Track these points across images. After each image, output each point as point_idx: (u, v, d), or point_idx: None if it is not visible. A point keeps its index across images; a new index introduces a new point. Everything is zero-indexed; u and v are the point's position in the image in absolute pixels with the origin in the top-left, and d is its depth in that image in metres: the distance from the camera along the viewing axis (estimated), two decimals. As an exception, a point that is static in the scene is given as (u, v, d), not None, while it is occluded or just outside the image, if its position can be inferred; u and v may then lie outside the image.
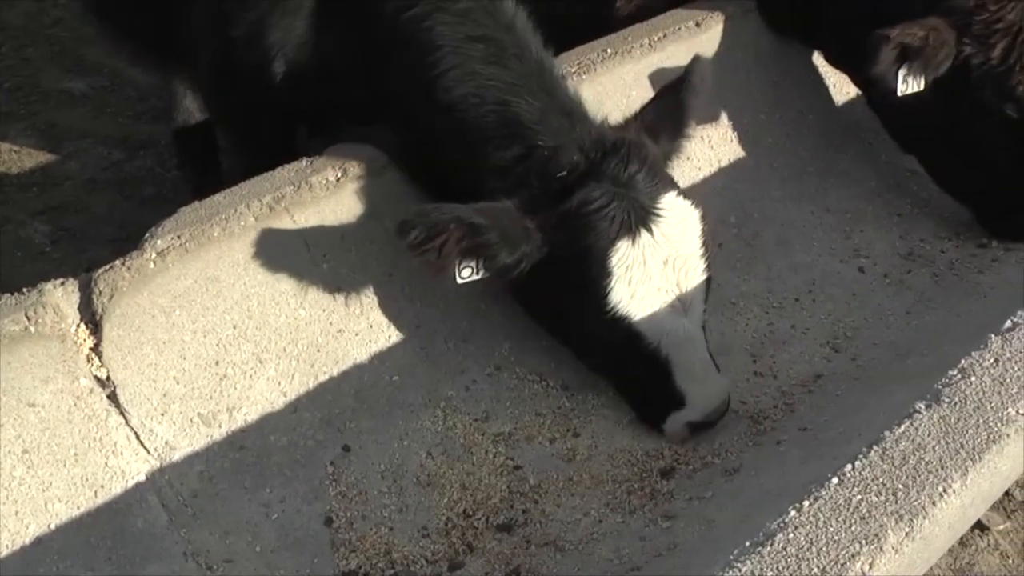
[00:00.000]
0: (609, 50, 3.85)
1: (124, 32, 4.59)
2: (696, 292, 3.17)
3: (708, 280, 3.21)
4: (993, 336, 2.77)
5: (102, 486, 2.79)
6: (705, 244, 3.19)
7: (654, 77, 3.87)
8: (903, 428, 2.49)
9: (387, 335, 3.26)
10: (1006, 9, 3.64)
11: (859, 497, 2.32)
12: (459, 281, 3.04)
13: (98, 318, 2.85)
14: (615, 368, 3.30)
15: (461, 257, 3.00)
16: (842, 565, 2.18)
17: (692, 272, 3.14)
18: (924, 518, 2.28)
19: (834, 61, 4.33)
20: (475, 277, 3.06)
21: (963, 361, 2.69)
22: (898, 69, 3.59)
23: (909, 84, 3.64)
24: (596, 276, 3.05)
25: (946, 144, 3.90)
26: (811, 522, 2.27)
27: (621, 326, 3.09)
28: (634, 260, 3.05)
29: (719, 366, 3.25)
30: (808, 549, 2.22)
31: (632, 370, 3.24)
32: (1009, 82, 3.65)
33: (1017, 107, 3.66)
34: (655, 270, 3.08)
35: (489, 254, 3.02)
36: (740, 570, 2.18)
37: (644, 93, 3.84)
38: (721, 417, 3.24)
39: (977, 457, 2.42)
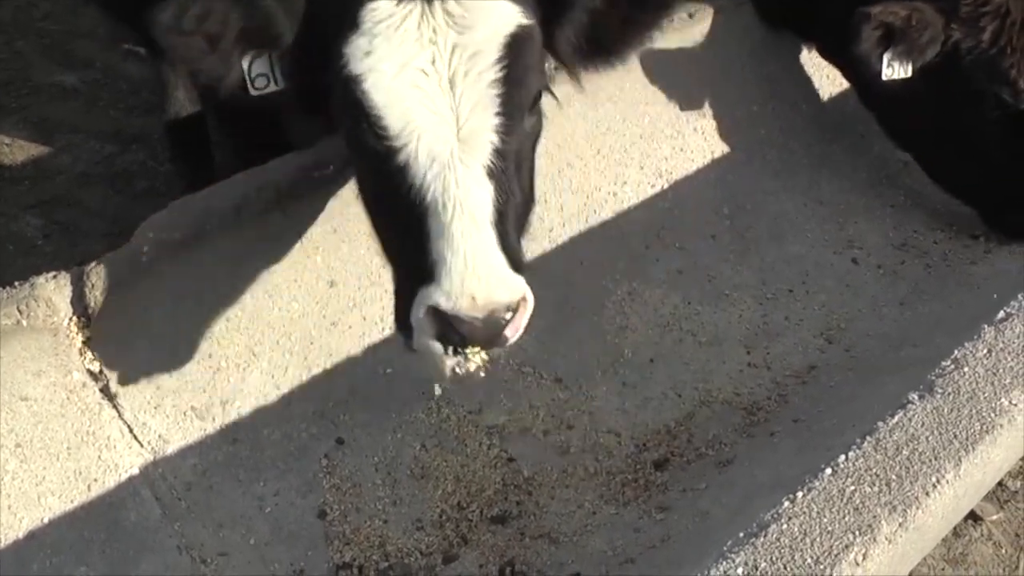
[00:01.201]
0: (602, 42, 3.84)
1: (125, 23, 4.57)
2: (479, 115, 2.46)
3: (511, 110, 2.47)
4: (986, 327, 2.78)
5: (95, 480, 2.79)
6: (514, 53, 2.47)
7: (647, 69, 3.87)
8: (896, 419, 2.49)
9: (380, 328, 3.26)
10: None
11: (853, 488, 2.33)
12: (254, 91, 2.65)
13: (91, 312, 2.84)
14: (373, 200, 2.70)
15: (241, 46, 2.59)
16: (836, 555, 2.19)
17: (474, 76, 2.45)
18: (917, 508, 2.29)
19: (826, 55, 4.33)
20: (273, 87, 2.67)
21: (956, 352, 2.69)
22: (883, 52, 3.58)
23: (895, 69, 3.62)
24: (343, 27, 2.48)
25: (939, 136, 3.89)
26: (805, 513, 2.28)
27: (361, 98, 2.45)
28: (389, 16, 2.44)
29: (521, 264, 2.54)
30: (802, 540, 2.22)
31: (382, 194, 2.60)
32: (1001, 65, 3.64)
33: (1011, 90, 3.65)
34: (412, 40, 2.43)
35: (267, 28, 2.60)
36: (734, 561, 2.19)
37: (637, 85, 3.84)
38: (493, 332, 2.43)
39: (970, 447, 2.43)
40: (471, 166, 2.45)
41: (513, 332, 2.48)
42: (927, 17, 3.59)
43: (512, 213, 2.55)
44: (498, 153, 2.48)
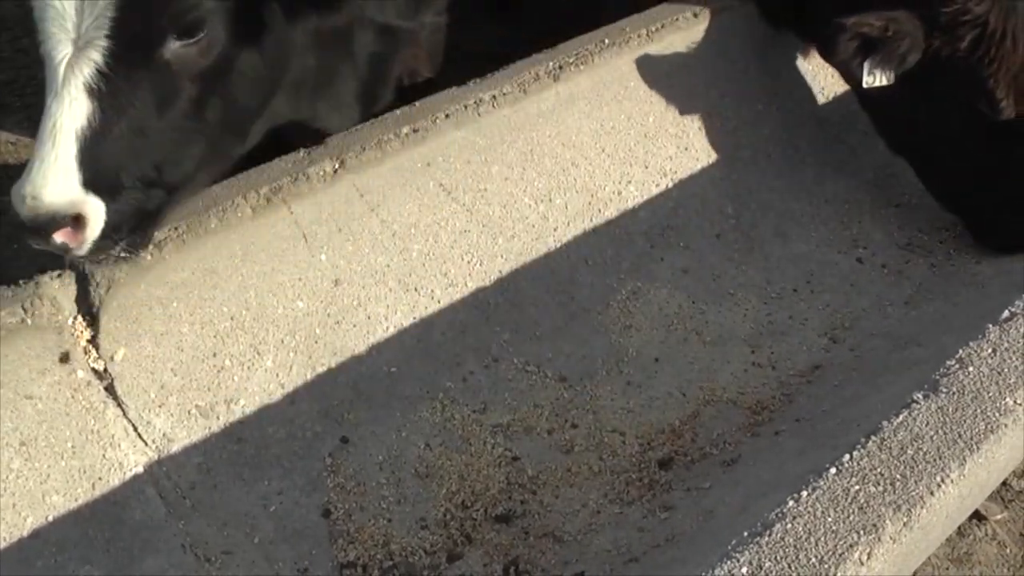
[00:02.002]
0: (607, 40, 3.84)
1: None
2: (92, 34, 2.54)
3: (126, 35, 2.55)
4: (991, 326, 2.77)
5: (100, 478, 2.79)
6: None
7: (652, 67, 3.87)
8: (901, 418, 2.49)
9: (385, 326, 3.26)
10: (973, 1, 3.58)
11: (857, 487, 2.32)
12: None
13: (95, 310, 2.85)
14: None
15: None
16: (840, 555, 2.19)
17: None
18: (922, 508, 2.29)
19: (824, 55, 4.31)
20: None
21: (961, 351, 2.69)
22: (862, 60, 3.57)
23: (876, 77, 3.60)
24: None
25: (923, 142, 3.88)
26: (809, 512, 2.28)
27: None
28: None
29: (106, 189, 2.60)
30: (806, 539, 2.22)
31: None
32: (979, 75, 3.60)
33: (989, 101, 3.62)
34: None
35: None
36: (738, 560, 2.19)
37: (642, 84, 3.84)
38: (40, 233, 2.58)
39: (975, 447, 2.42)
40: (71, 82, 2.53)
41: (73, 241, 2.58)
42: (904, 28, 3.56)
43: (124, 142, 2.62)
44: (104, 76, 2.55)
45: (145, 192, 2.71)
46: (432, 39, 3.84)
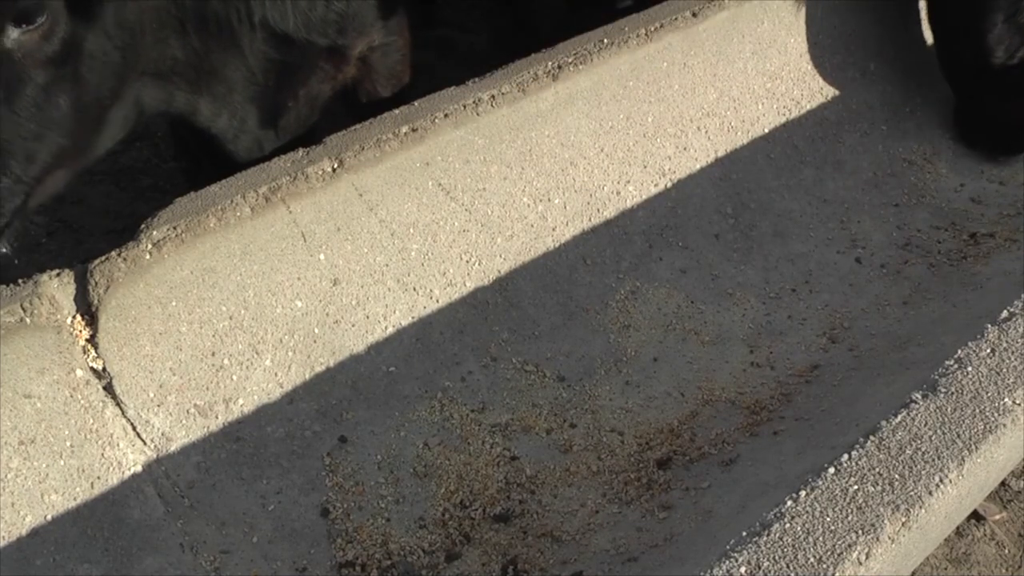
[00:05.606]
0: (605, 40, 3.84)
1: None
2: None
3: None
4: (990, 326, 2.77)
5: (98, 477, 2.79)
6: None
7: (651, 67, 3.87)
8: (900, 418, 2.49)
9: (383, 326, 3.26)
10: None
11: (856, 487, 2.32)
12: None
13: (94, 309, 2.85)
14: None
15: None
16: (839, 555, 2.19)
17: None
18: (921, 508, 2.28)
19: None
20: None
21: (960, 351, 2.69)
22: None
23: None
24: None
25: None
26: (808, 512, 2.28)
27: None
28: None
29: None
30: (805, 539, 2.22)
31: None
32: None
33: None
34: None
35: None
36: (737, 560, 2.19)
37: (641, 84, 3.84)
38: None
39: (974, 447, 2.42)
40: None
41: None
42: None
43: None
44: None
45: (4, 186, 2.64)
46: (385, 61, 3.82)
